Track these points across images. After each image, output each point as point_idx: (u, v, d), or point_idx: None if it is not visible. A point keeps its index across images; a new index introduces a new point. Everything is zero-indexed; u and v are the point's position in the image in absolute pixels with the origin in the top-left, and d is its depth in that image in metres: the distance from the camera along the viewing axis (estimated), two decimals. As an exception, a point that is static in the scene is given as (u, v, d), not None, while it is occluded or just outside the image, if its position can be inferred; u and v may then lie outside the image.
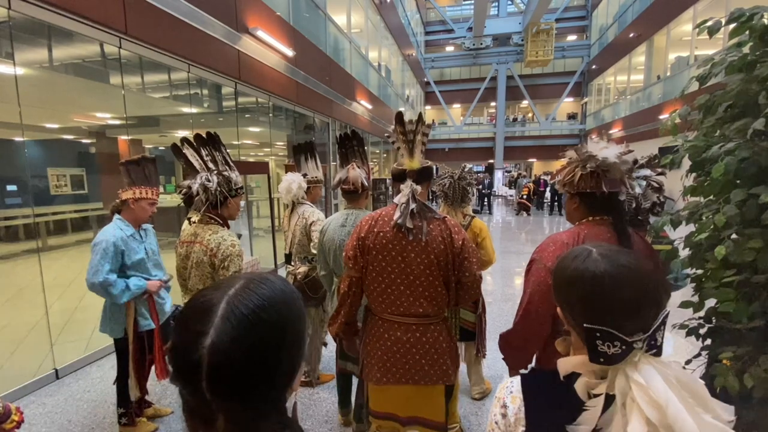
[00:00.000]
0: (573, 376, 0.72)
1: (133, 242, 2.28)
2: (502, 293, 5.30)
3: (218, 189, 1.95)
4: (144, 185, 2.27)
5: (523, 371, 1.20)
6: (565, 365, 0.72)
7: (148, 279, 2.32)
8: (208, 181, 1.94)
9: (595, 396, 0.67)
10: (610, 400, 0.66)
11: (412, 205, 1.54)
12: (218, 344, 0.47)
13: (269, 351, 0.50)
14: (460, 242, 1.57)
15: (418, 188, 1.58)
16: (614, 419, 0.64)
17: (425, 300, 1.58)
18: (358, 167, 2.29)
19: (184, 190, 2.00)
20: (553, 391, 0.74)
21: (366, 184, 2.27)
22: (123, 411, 2.39)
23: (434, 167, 1.77)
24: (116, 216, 2.30)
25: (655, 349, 0.66)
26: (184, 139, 2.04)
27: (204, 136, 2.05)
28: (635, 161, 1.79)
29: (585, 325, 0.68)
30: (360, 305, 1.77)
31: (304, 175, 2.98)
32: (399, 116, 1.62)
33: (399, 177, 1.64)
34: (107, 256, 2.14)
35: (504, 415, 0.77)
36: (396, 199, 1.61)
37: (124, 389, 2.36)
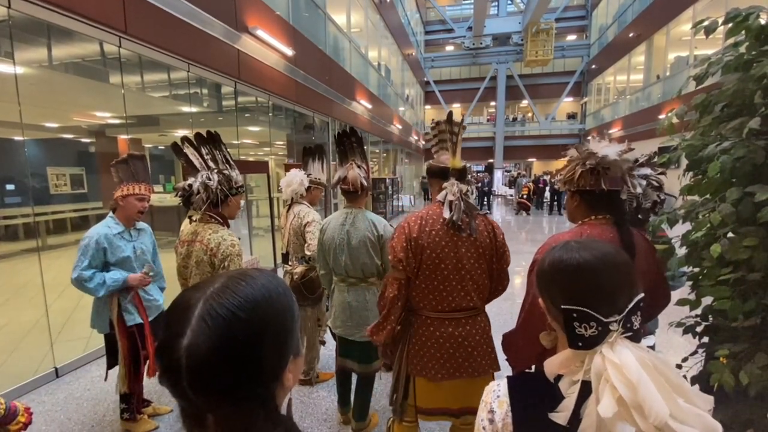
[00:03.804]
0: (560, 378, 0.72)
1: (120, 240, 2.28)
2: (502, 292, 5.30)
3: (219, 187, 1.96)
4: (131, 182, 2.29)
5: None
6: (551, 366, 0.73)
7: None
8: (209, 179, 1.95)
9: (574, 383, 0.69)
10: (590, 388, 0.67)
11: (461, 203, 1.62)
12: (194, 345, 0.47)
13: (248, 349, 0.49)
14: (501, 236, 1.69)
15: (464, 187, 1.65)
16: (589, 401, 0.65)
17: (475, 293, 1.64)
18: (358, 166, 2.29)
19: (181, 192, 2.01)
20: (541, 394, 0.74)
21: (365, 184, 2.26)
22: (125, 406, 2.42)
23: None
24: (109, 214, 2.33)
25: (631, 332, 0.69)
26: (185, 138, 2.04)
27: (204, 135, 2.06)
28: (636, 160, 1.80)
29: (562, 306, 0.70)
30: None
31: (308, 175, 3.00)
32: (450, 115, 1.70)
33: (440, 174, 1.71)
34: (87, 252, 2.18)
35: (491, 421, 0.76)
36: (440, 197, 1.67)
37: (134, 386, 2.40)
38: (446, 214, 1.60)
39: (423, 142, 22.09)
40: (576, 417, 0.67)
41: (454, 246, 1.61)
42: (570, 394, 0.68)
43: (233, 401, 0.49)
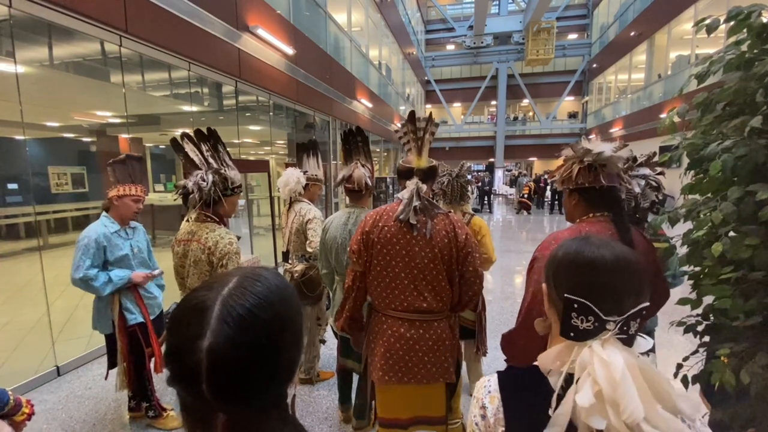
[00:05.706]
0: (549, 371, 0.73)
1: (117, 239, 2.30)
2: (502, 291, 5.31)
3: (212, 188, 1.95)
4: (127, 183, 2.30)
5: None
6: (545, 361, 0.72)
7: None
8: (203, 180, 1.95)
9: (560, 374, 0.69)
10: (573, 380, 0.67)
11: (416, 202, 1.57)
12: (216, 346, 0.46)
13: (269, 349, 0.50)
14: (464, 236, 1.60)
15: (424, 186, 1.61)
16: (568, 392, 0.65)
17: (429, 294, 1.59)
18: (363, 165, 2.28)
19: (180, 190, 2.01)
20: (531, 388, 0.74)
21: (369, 183, 2.26)
22: (147, 404, 2.47)
23: (438, 167, 1.80)
24: (103, 213, 2.34)
25: (626, 336, 0.69)
26: (184, 134, 2.05)
27: (204, 131, 2.06)
28: (634, 159, 1.80)
29: (566, 295, 0.70)
30: (365, 300, 1.77)
31: (305, 172, 2.99)
32: (411, 115, 1.67)
33: (406, 174, 1.67)
34: (88, 252, 2.18)
35: (483, 416, 0.76)
36: (399, 195, 1.63)
37: (143, 384, 2.44)
38: (398, 211, 1.59)
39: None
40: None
41: (407, 244, 1.57)
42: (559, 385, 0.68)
43: (249, 401, 0.49)
